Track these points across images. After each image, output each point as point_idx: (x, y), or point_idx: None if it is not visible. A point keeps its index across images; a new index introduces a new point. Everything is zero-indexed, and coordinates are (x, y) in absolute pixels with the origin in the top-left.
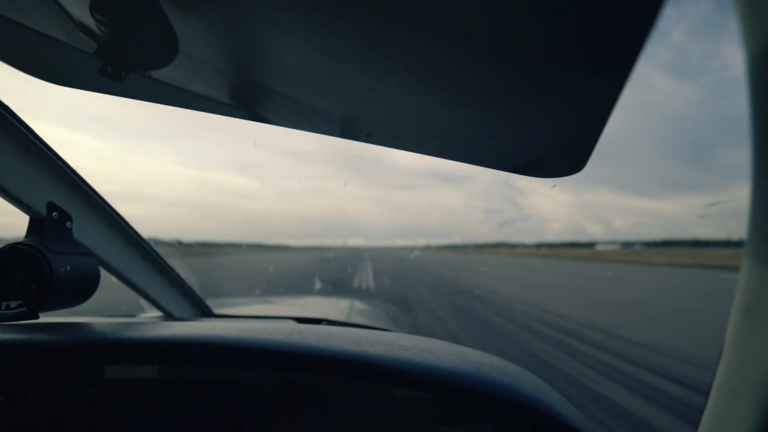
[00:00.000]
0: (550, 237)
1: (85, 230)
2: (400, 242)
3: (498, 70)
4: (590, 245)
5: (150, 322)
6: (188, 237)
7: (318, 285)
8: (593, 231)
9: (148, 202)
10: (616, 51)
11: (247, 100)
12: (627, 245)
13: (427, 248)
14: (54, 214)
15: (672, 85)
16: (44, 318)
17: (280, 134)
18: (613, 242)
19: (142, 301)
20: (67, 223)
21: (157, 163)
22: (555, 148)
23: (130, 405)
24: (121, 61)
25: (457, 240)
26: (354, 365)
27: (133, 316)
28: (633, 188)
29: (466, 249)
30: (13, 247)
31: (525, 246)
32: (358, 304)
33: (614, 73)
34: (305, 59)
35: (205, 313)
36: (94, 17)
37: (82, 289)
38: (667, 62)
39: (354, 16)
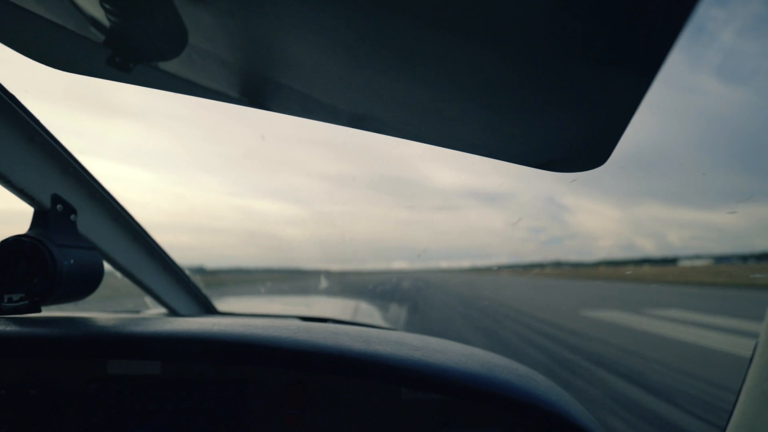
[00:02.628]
0: (600, 255)
1: (89, 224)
2: (443, 264)
3: (514, 63)
4: (670, 261)
5: (153, 318)
6: (229, 263)
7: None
8: (645, 246)
9: (197, 232)
10: (646, 40)
11: (254, 91)
12: (721, 260)
13: (474, 269)
14: (58, 206)
15: (724, 89)
16: (46, 312)
17: (316, 162)
18: (697, 256)
19: (147, 299)
20: (72, 216)
21: (204, 193)
22: (576, 143)
23: (132, 402)
24: (130, 52)
25: (504, 260)
26: (363, 364)
27: (137, 312)
28: (685, 200)
29: (525, 270)
30: (17, 239)
31: (585, 265)
32: (364, 305)
33: (644, 64)
34: (314, 52)
35: (209, 310)
36: (103, 7)
37: (85, 283)
38: (717, 65)
39: (369, 9)
